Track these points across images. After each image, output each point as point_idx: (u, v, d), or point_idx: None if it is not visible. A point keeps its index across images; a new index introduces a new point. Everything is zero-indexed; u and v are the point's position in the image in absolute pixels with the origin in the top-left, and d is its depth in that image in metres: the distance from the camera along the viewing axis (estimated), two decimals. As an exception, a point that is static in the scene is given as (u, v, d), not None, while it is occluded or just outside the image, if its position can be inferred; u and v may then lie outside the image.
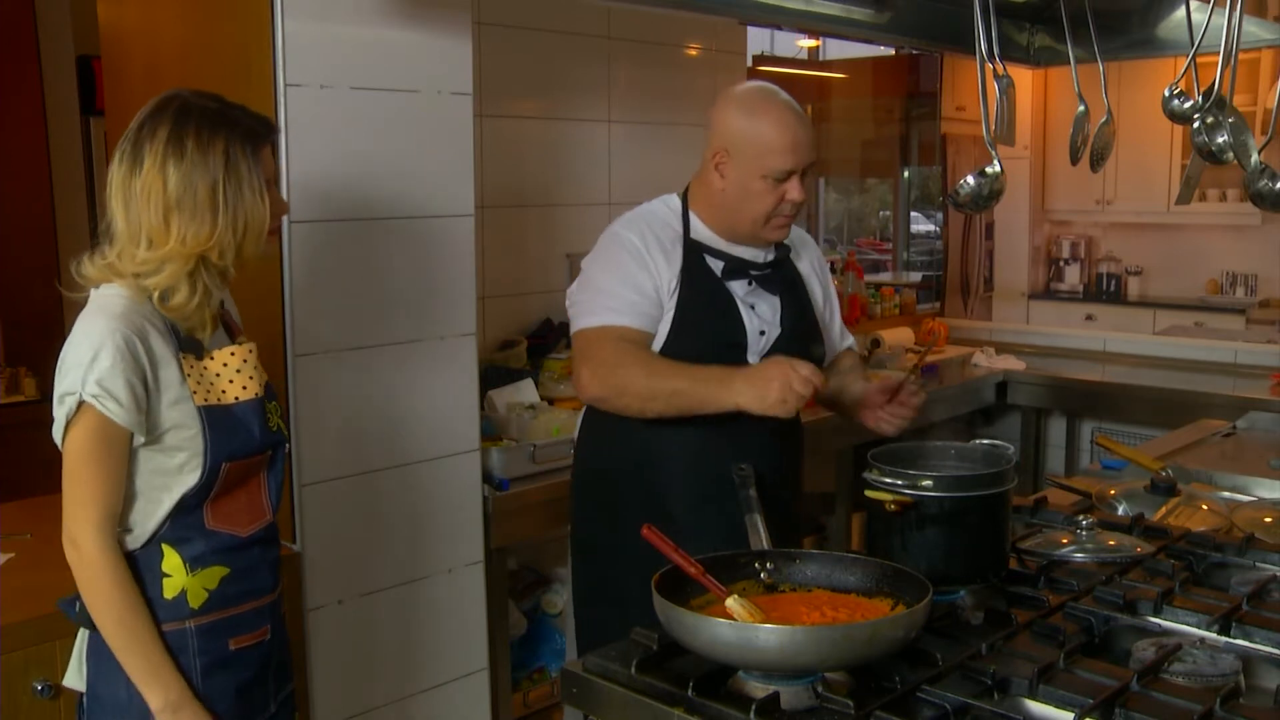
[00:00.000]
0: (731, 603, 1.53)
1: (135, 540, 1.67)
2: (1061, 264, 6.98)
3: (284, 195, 2.28)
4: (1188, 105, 2.37)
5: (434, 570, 2.70)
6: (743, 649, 1.41)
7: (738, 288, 2.19)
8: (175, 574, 1.68)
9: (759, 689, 1.42)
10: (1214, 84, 2.25)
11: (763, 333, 2.19)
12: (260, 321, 2.29)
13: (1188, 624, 1.67)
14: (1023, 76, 5.78)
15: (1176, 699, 1.40)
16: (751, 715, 1.36)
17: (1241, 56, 2.21)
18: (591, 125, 3.72)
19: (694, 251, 2.18)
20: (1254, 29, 2.67)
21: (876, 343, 4.67)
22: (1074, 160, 2.39)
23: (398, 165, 2.54)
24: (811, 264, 2.37)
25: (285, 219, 2.33)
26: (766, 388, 1.94)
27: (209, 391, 1.69)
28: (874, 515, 1.84)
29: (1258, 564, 1.90)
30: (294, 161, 2.36)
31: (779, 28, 5.13)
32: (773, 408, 1.94)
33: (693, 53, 4.00)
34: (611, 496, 2.23)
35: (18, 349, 4.42)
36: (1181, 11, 2.47)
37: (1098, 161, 2.42)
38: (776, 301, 2.23)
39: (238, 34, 2.45)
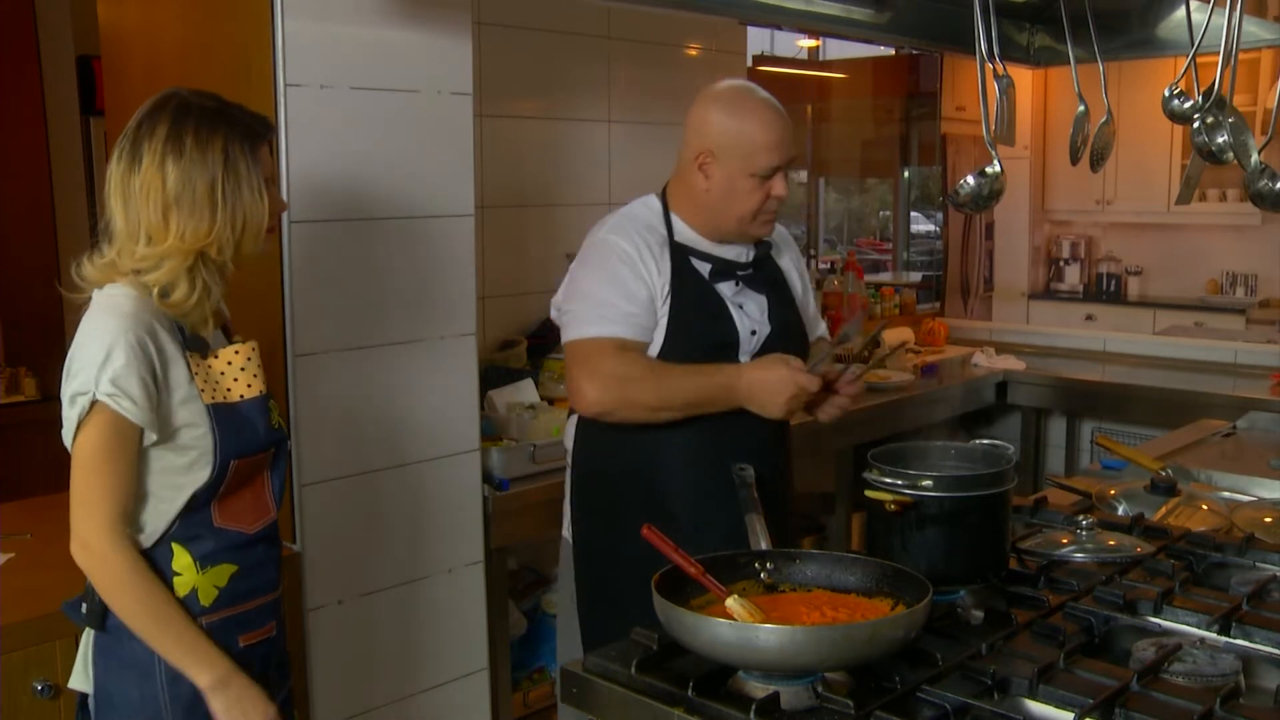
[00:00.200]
0: (731, 603, 1.53)
1: (146, 540, 1.67)
2: (1061, 264, 6.98)
3: (284, 195, 2.29)
4: (1188, 105, 2.37)
5: (434, 570, 2.70)
6: (743, 649, 1.41)
7: (725, 289, 2.20)
8: (186, 572, 1.68)
9: (759, 689, 1.42)
10: (1214, 84, 2.25)
11: (754, 332, 2.21)
12: (260, 321, 2.30)
13: (1188, 624, 1.67)
14: (1023, 76, 5.78)
15: (1176, 699, 1.40)
16: (751, 715, 1.36)
17: (1241, 56, 2.21)
18: (591, 125, 3.72)
19: (680, 255, 2.18)
20: (1254, 29, 2.67)
21: (876, 342, 4.66)
22: (1074, 160, 2.39)
23: (398, 165, 2.54)
24: (791, 259, 2.38)
25: (285, 219, 2.34)
26: (777, 397, 2.03)
27: (215, 390, 1.70)
28: (874, 515, 1.84)
29: (1258, 564, 1.90)
30: (294, 161, 2.36)
31: (779, 28, 5.13)
32: (779, 413, 2.06)
33: (693, 53, 4.00)
34: (611, 497, 2.23)
35: (18, 349, 4.42)
36: (1181, 11, 2.47)
37: (1098, 161, 2.42)
38: (763, 300, 2.24)
39: (238, 34, 2.45)
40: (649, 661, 1.50)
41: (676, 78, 3.91)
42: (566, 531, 2.35)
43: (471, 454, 2.76)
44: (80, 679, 1.74)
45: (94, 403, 1.59)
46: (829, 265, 5.88)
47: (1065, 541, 1.97)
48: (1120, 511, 2.27)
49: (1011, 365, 4.73)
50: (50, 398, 4.12)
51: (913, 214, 7.81)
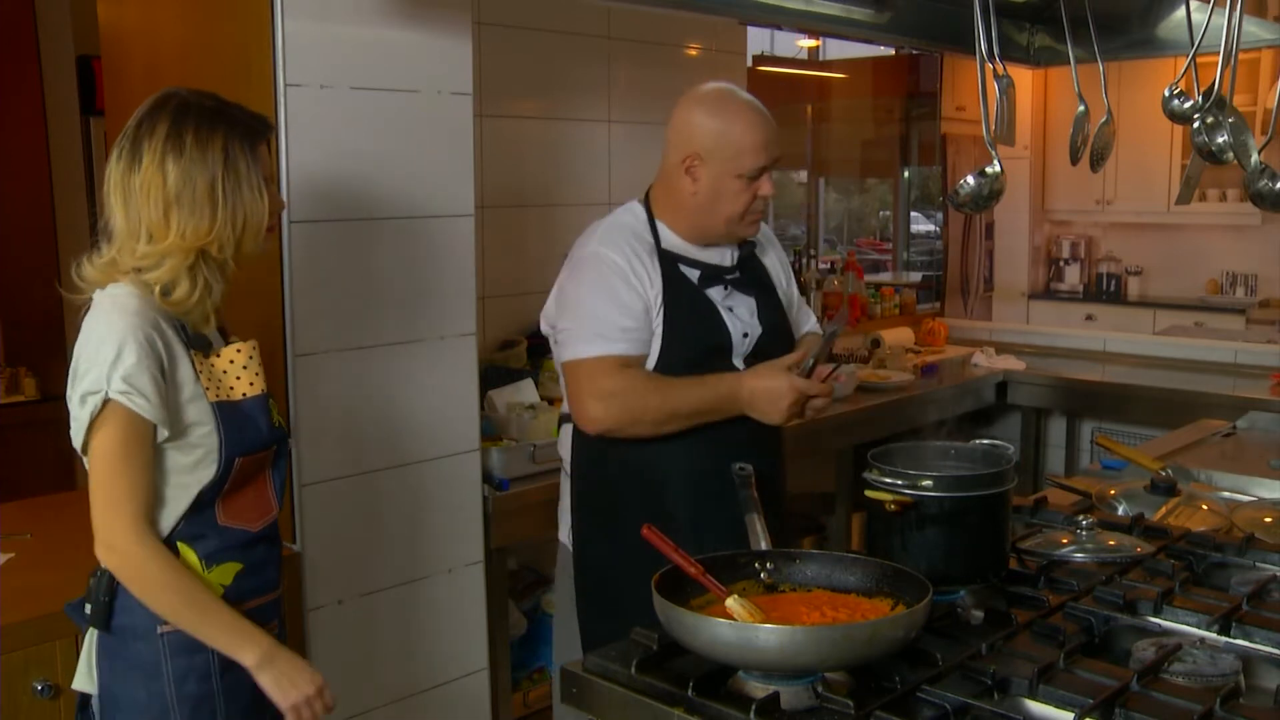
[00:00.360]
0: (731, 603, 1.53)
1: None
2: (1061, 264, 6.98)
3: (284, 195, 2.29)
4: (1188, 105, 2.37)
5: (434, 570, 2.70)
6: (743, 649, 1.41)
7: (715, 293, 2.21)
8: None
9: (759, 689, 1.42)
10: (1214, 84, 2.25)
11: (745, 334, 2.22)
12: (260, 321, 2.30)
13: (1188, 624, 1.67)
14: (1023, 76, 5.78)
15: (1176, 699, 1.40)
16: (751, 715, 1.36)
17: (1241, 56, 2.21)
18: (591, 125, 3.72)
19: (669, 262, 2.18)
20: (1254, 29, 2.67)
21: (876, 343, 4.67)
22: (1074, 160, 2.39)
23: (397, 165, 2.54)
24: (775, 255, 2.39)
25: (285, 219, 2.34)
26: (778, 404, 2.07)
27: (219, 388, 1.70)
28: (874, 515, 1.84)
29: (1258, 564, 1.90)
30: (294, 161, 2.36)
31: (779, 28, 5.13)
32: (780, 420, 2.10)
33: (693, 53, 4.00)
34: (610, 497, 2.22)
35: (18, 349, 4.42)
36: (1181, 11, 2.47)
37: (1098, 161, 2.42)
38: (752, 302, 2.25)
39: (238, 34, 2.45)
40: (649, 661, 1.50)
41: (676, 78, 3.91)
42: (564, 536, 2.35)
43: (471, 454, 2.76)
44: (84, 680, 1.73)
45: (106, 401, 1.59)
46: (829, 265, 5.86)
47: (1065, 541, 1.97)
48: (1120, 511, 2.26)
49: (1011, 365, 4.73)
50: (50, 398, 4.13)
51: (913, 214, 7.80)
